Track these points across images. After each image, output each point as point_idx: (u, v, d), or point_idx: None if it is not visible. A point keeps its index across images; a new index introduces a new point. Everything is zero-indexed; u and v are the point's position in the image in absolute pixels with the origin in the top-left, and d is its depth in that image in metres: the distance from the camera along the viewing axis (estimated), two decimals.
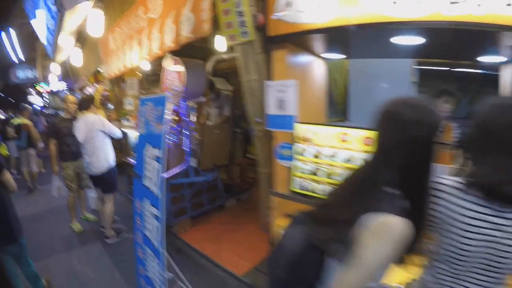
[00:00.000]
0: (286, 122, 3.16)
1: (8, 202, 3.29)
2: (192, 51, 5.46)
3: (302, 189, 3.03)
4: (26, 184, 8.91)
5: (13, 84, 16.78)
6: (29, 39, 10.31)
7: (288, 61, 3.21)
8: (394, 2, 2.38)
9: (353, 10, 2.56)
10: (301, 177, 3.06)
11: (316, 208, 1.47)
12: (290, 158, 3.16)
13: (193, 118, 5.27)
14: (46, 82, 16.63)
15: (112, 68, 6.38)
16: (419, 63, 5.14)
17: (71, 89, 15.52)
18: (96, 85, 8.92)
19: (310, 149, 3.04)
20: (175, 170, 5.21)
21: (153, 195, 3.05)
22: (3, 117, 11.50)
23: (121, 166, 6.85)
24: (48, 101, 26.77)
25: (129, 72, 6.74)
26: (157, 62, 7.94)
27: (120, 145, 7.03)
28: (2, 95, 29.54)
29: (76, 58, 6.72)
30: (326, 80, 4.24)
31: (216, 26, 3.52)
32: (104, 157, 5.04)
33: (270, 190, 3.28)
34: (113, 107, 7.62)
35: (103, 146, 5.03)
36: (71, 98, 5.77)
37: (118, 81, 7.20)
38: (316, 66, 3.96)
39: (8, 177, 3.28)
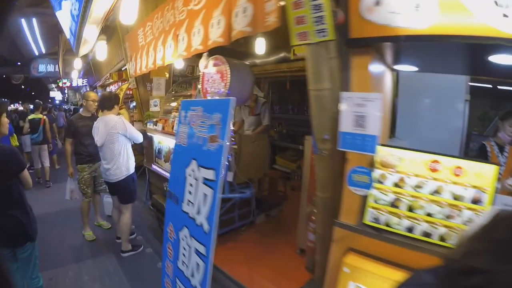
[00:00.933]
0: (365, 142, 2.53)
1: (25, 199, 3.10)
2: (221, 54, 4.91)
3: (375, 222, 2.45)
4: (36, 180, 8.55)
5: (34, 77, 16.09)
6: (52, 31, 9.70)
7: (370, 70, 2.56)
8: (505, 15, 1.83)
9: (457, 18, 1.98)
10: (376, 208, 2.47)
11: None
12: (365, 185, 2.55)
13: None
14: (67, 77, 16.15)
15: (140, 65, 5.75)
16: (473, 80, 4.50)
17: (92, 86, 15.00)
18: (120, 83, 8.33)
19: (391, 177, 2.45)
20: None
21: (198, 227, 2.46)
22: (20, 110, 11.14)
23: (141, 169, 6.27)
24: (67, 96, 26.50)
25: (157, 72, 6.18)
26: (187, 63, 7.46)
27: (140, 147, 6.46)
28: (23, 87, 29.40)
29: (101, 51, 6.05)
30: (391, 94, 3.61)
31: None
32: (124, 164, 4.44)
33: (335, 220, 2.63)
34: (136, 107, 6.96)
35: (124, 152, 4.43)
36: (92, 95, 5.19)
37: (144, 80, 6.58)
38: (387, 77, 3.29)
39: (26, 174, 3.07)
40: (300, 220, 4.36)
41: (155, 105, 6.07)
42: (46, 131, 8.20)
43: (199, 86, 4.51)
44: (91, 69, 12.10)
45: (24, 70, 15.59)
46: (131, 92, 7.09)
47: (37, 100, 9.18)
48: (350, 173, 2.62)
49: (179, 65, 6.28)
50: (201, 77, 4.53)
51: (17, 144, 8.39)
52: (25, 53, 13.10)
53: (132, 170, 4.54)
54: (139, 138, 4.52)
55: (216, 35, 3.56)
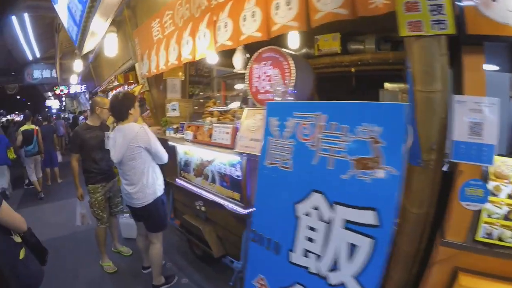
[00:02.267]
0: (481, 153, 2.14)
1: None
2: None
3: (488, 238, 2.12)
4: (38, 196, 8.06)
5: (28, 85, 14.73)
6: (47, 31, 8.54)
7: (484, 71, 2.23)
8: None
9: None
10: (489, 223, 2.15)
11: None
12: (479, 199, 2.14)
13: None
14: (65, 84, 14.90)
15: (155, 63, 4.79)
16: None
17: (92, 92, 13.80)
18: (126, 86, 7.25)
19: (506, 188, 2.19)
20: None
21: None
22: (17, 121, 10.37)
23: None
24: (64, 104, 25.29)
25: (170, 72, 5.21)
26: (202, 61, 6.42)
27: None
28: (18, 97, 28.15)
29: (110, 46, 5.03)
30: None
31: None
32: (150, 185, 3.42)
33: (442, 240, 2.19)
34: (149, 112, 5.93)
35: (149, 170, 3.41)
36: (106, 101, 4.21)
37: (157, 81, 5.51)
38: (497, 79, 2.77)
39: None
40: None
41: (174, 109, 5.05)
42: (40, 141, 7.90)
43: (244, 86, 3.67)
44: (90, 73, 10.95)
45: (19, 79, 14.26)
46: (143, 96, 6.03)
47: (27, 111, 8.63)
48: (463, 187, 2.18)
49: (213, 59, 5.23)
50: (247, 74, 3.60)
51: (14, 156, 7.77)
52: (18, 58, 11.81)
53: (160, 191, 3.55)
54: (164, 157, 3.48)
55: (286, 19, 2.71)
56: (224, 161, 3.67)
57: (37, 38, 9.01)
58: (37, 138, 7.84)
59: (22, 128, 7.77)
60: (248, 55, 4.63)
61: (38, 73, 14.11)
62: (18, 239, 2.16)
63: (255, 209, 2.51)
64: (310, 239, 1.98)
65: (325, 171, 1.88)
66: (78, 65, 8.63)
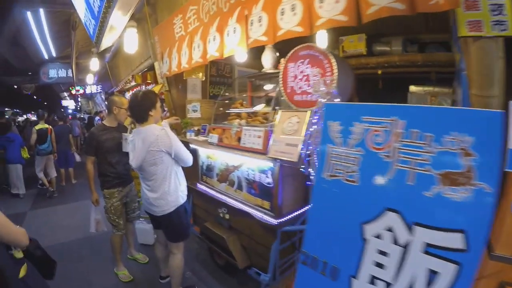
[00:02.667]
0: None
1: None
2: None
3: None
4: (47, 195, 7.99)
5: (44, 85, 14.46)
6: (63, 29, 8.28)
7: None
8: None
9: None
10: None
11: None
12: None
13: None
14: (81, 84, 14.72)
15: (177, 62, 4.52)
16: None
17: (107, 93, 13.57)
18: (144, 86, 6.98)
19: None
20: (293, 211, 3.33)
21: None
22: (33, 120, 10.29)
23: None
24: (80, 104, 25.19)
25: (190, 72, 4.92)
26: (224, 61, 6.12)
27: None
28: (35, 97, 28.20)
29: (131, 42, 4.75)
30: None
31: None
32: (172, 192, 3.10)
33: (492, 254, 1.82)
34: (167, 113, 5.63)
35: (172, 176, 3.09)
36: (124, 100, 3.93)
37: (177, 81, 5.24)
38: None
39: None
40: None
41: (195, 111, 4.76)
42: (53, 141, 7.87)
43: (274, 86, 3.38)
44: (106, 73, 10.71)
45: (35, 79, 13.98)
46: (163, 96, 5.75)
47: (40, 110, 8.49)
48: None
49: (242, 57, 4.94)
50: (281, 73, 3.29)
51: (28, 156, 7.97)
52: (34, 57, 11.58)
53: (183, 199, 3.23)
54: (188, 160, 3.14)
55: (333, 12, 2.41)
56: (253, 167, 3.38)
57: (53, 36, 8.77)
58: (50, 137, 7.79)
59: (37, 127, 7.68)
60: (278, 54, 4.32)
61: (54, 73, 13.76)
62: (19, 255, 1.87)
63: (307, 227, 2.19)
64: (379, 265, 1.68)
65: (403, 186, 1.57)
66: (94, 64, 8.35)
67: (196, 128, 4.47)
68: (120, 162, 3.83)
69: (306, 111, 2.87)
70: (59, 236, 5.43)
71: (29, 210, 7.06)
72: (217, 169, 3.95)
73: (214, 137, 3.68)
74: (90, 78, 11.69)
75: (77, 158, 9.21)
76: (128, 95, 8.53)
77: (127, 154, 3.63)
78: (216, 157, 3.94)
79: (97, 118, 13.07)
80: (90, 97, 18.87)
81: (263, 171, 3.25)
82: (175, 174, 3.08)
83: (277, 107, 3.40)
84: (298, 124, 2.83)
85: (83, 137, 12.27)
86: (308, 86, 2.98)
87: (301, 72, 3.07)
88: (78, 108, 27.21)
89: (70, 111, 27.55)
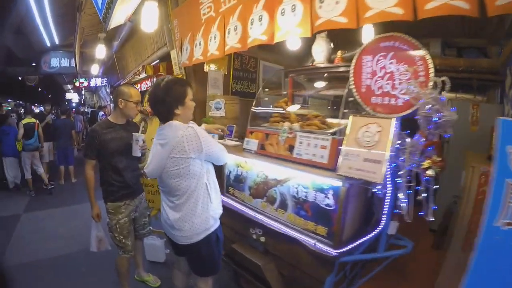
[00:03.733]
0: None
1: None
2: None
3: None
4: (28, 193, 7.38)
5: (45, 74, 13.31)
6: (67, 14, 7.39)
7: None
8: None
9: None
10: None
11: None
12: None
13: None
14: (85, 76, 13.81)
15: (202, 49, 3.64)
16: None
17: (113, 86, 12.62)
18: (155, 79, 6.12)
19: None
20: (355, 239, 2.59)
21: None
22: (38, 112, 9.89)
23: None
24: (84, 98, 24.33)
25: (220, 62, 4.29)
26: (248, 54, 5.30)
27: None
28: (39, 89, 27.34)
29: (149, 18, 3.91)
30: None
31: None
32: (200, 212, 2.23)
33: None
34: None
35: (201, 190, 2.22)
36: (134, 92, 3.07)
37: (197, 74, 4.40)
38: None
39: None
40: (445, 270, 2.93)
41: (218, 108, 3.93)
42: (40, 136, 7.47)
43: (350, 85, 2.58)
44: (113, 65, 9.81)
45: (38, 70, 12.89)
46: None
47: (27, 104, 8.78)
48: None
49: (295, 45, 3.96)
50: (353, 68, 2.56)
51: (21, 149, 7.42)
52: (36, 45, 10.55)
53: (215, 221, 2.38)
54: (223, 157, 2.35)
55: (385, 4, 2.03)
56: (305, 183, 2.62)
57: (56, 21, 7.84)
58: (38, 132, 7.37)
59: (24, 121, 7.24)
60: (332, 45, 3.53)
61: (56, 62, 12.47)
62: None
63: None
64: None
65: None
66: (100, 52, 7.43)
67: (221, 128, 3.65)
68: (128, 168, 3.03)
69: (390, 118, 2.18)
70: (54, 247, 4.64)
71: (23, 213, 6.28)
72: (250, 181, 3.15)
73: (252, 143, 2.88)
74: (95, 69, 10.63)
75: (75, 153, 8.46)
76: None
77: (137, 158, 3.09)
78: (249, 166, 3.14)
79: (101, 113, 12.10)
80: (94, 90, 17.92)
81: (321, 190, 2.54)
82: (206, 188, 2.23)
83: (346, 111, 2.60)
84: (379, 135, 2.15)
85: (86, 132, 11.42)
86: (393, 86, 2.25)
87: (382, 68, 2.34)
88: (82, 102, 26.37)
89: (74, 104, 26.70)
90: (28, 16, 7.48)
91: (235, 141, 3.63)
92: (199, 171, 2.14)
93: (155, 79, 6.15)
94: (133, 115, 3.15)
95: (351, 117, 2.39)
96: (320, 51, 3.52)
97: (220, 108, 3.92)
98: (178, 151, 2.04)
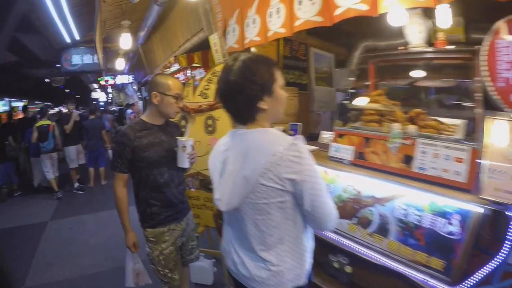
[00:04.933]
0: None
1: None
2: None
3: None
4: (54, 197, 7.06)
5: (67, 73, 12.29)
6: (86, 5, 6.72)
7: None
8: None
9: None
10: None
11: None
12: None
13: None
14: (110, 74, 13.21)
15: (257, 28, 2.85)
16: None
17: (141, 83, 11.97)
18: (190, 71, 5.33)
19: None
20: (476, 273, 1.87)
21: None
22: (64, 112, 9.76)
23: None
24: (111, 96, 24.03)
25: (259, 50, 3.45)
26: (298, 40, 4.51)
27: None
28: (67, 90, 27.30)
29: None
30: None
31: None
32: (293, 264, 1.39)
33: None
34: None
35: (294, 237, 1.38)
36: (172, 83, 2.27)
37: None
38: None
39: None
40: None
41: None
42: (56, 137, 7.14)
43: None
44: (140, 60, 9.12)
45: (60, 69, 12.17)
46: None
47: (43, 105, 8.40)
48: None
49: (402, 20, 3.00)
50: (484, 55, 1.99)
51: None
52: (54, 43, 9.89)
53: (308, 271, 1.49)
54: (329, 221, 1.37)
55: None
56: (419, 203, 2.01)
57: (73, 13, 7.18)
58: (53, 134, 7.07)
59: (38, 124, 7.01)
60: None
61: (78, 59, 11.35)
62: None
63: None
64: None
65: None
66: (125, 41, 6.63)
67: (279, 128, 2.87)
68: (172, 182, 2.29)
69: None
70: (84, 264, 4.09)
71: (50, 220, 5.80)
72: (332, 197, 2.37)
73: (344, 150, 2.10)
74: (120, 64, 9.89)
75: (109, 154, 7.94)
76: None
77: (182, 169, 2.31)
78: (331, 177, 2.36)
79: (129, 111, 11.37)
80: (121, 88, 17.40)
81: (442, 214, 1.96)
82: (299, 235, 1.41)
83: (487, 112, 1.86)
84: None
85: (114, 131, 10.86)
86: None
87: None
88: (109, 101, 26.14)
89: (101, 103, 26.55)
90: (43, 11, 6.86)
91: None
92: (294, 210, 1.34)
93: (190, 72, 5.40)
94: (172, 114, 2.34)
95: (490, 119, 1.70)
96: (416, 32, 2.70)
97: None
98: (271, 177, 1.25)
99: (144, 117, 2.32)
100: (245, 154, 1.32)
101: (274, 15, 2.58)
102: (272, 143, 1.27)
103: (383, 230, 2.15)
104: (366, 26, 4.33)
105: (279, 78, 1.37)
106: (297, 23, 2.38)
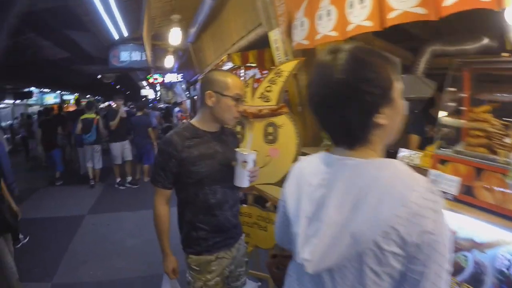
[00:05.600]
0: None
1: None
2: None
3: None
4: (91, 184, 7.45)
5: (115, 69, 12.55)
6: (135, 3, 6.64)
7: None
8: None
9: None
10: None
11: None
12: None
13: None
14: (159, 72, 13.30)
15: (333, 21, 2.36)
16: None
17: (190, 82, 11.77)
18: (243, 71, 4.93)
19: None
20: None
21: None
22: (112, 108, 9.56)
23: None
24: (160, 94, 24.37)
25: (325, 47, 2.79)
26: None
27: None
28: (118, 87, 28.06)
29: None
30: None
31: None
32: None
33: None
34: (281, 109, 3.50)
35: None
36: (233, 80, 1.83)
37: (309, 63, 3.10)
38: None
39: None
40: None
41: None
42: (99, 131, 7.41)
43: None
44: (189, 58, 8.88)
45: (107, 65, 12.29)
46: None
47: (90, 100, 9.18)
48: None
49: None
50: None
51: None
52: (103, 38, 9.85)
53: None
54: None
55: None
56: None
57: (122, 9, 7.12)
58: (96, 127, 7.32)
59: (83, 117, 7.35)
60: None
61: (126, 55, 11.30)
62: None
63: None
64: None
65: None
66: (175, 37, 6.38)
67: None
68: (226, 203, 1.87)
69: None
70: (118, 266, 3.88)
71: (87, 214, 5.70)
72: None
73: (450, 182, 1.59)
74: (169, 61, 9.78)
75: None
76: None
77: (237, 188, 1.90)
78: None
79: (176, 109, 11.17)
80: (169, 86, 17.47)
81: None
82: None
83: None
84: None
85: (161, 128, 10.84)
86: None
87: None
88: (158, 98, 26.56)
89: (150, 100, 27.07)
90: (90, 6, 6.83)
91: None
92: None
93: (243, 72, 5.01)
94: (230, 120, 1.86)
95: None
96: None
97: None
98: (395, 239, 0.77)
99: (194, 122, 1.89)
100: (357, 199, 0.83)
101: (356, 4, 2.14)
102: (403, 186, 0.80)
103: (476, 280, 1.65)
104: (432, 28, 4.03)
105: (398, 81, 0.92)
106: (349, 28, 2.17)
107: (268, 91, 2.66)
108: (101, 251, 4.25)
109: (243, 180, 1.77)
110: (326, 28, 2.39)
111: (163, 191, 1.85)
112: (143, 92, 27.84)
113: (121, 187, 7.37)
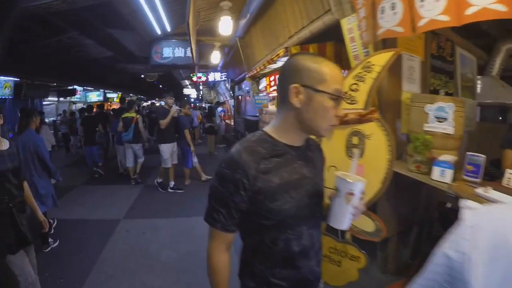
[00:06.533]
0: None
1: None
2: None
3: None
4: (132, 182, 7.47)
5: (157, 65, 11.75)
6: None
7: None
8: None
9: None
10: None
11: None
12: None
13: None
14: (203, 70, 12.97)
15: (446, 4, 1.80)
16: None
17: (234, 81, 11.31)
18: None
19: None
20: None
21: None
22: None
23: None
24: (202, 93, 24.26)
25: (405, 45, 2.55)
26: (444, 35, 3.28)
27: None
28: (161, 86, 28.22)
29: None
30: None
31: None
32: None
33: None
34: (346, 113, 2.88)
35: None
36: (331, 71, 1.09)
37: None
38: None
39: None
40: None
41: (442, 119, 2.02)
42: (138, 130, 7.44)
43: None
44: (237, 53, 8.32)
45: (149, 61, 11.98)
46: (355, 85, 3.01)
47: (130, 100, 9.11)
48: None
49: None
50: None
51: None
52: (145, 33, 9.45)
53: None
54: None
55: None
56: None
57: (165, 3, 6.73)
58: (135, 126, 7.31)
59: (123, 116, 7.46)
60: None
61: (169, 52, 10.72)
62: None
63: None
64: None
65: None
66: (225, 26, 5.77)
67: (446, 159, 1.79)
68: (312, 248, 1.25)
69: None
70: (146, 282, 3.38)
71: (123, 218, 5.29)
72: None
73: None
74: (215, 57, 9.33)
75: (195, 160, 7.42)
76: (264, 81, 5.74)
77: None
78: None
79: (219, 109, 10.75)
80: (212, 86, 17.16)
81: None
82: None
83: None
84: None
85: (202, 127, 10.49)
86: None
87: None
88: (200, 97, 26.50)
89: (192, 99, 27.05)
90: (135, 4, 6.52)
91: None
92: None
93: None
94: (325, 130, 1.17)
95: None
96: None
97: (446, 119, 2.00)
98: None
99: (271, 131, 1.23)
100: None
101: None
102: None
103: None
104: (504, 24, 3.83)
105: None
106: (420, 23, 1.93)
107: (353, 90, 2.04)
108: (132, 263, 3.77)
109: (343, 219, 1.14)
110: (434, 11, 1.76)
111: (223, 234, 1.22)
112: (185, 91, 27.87)
113: (170, 190, 6.77)
